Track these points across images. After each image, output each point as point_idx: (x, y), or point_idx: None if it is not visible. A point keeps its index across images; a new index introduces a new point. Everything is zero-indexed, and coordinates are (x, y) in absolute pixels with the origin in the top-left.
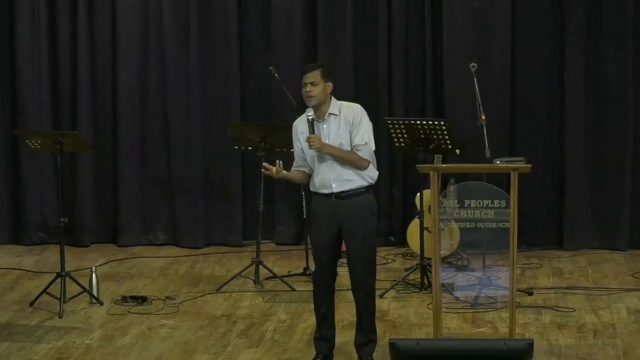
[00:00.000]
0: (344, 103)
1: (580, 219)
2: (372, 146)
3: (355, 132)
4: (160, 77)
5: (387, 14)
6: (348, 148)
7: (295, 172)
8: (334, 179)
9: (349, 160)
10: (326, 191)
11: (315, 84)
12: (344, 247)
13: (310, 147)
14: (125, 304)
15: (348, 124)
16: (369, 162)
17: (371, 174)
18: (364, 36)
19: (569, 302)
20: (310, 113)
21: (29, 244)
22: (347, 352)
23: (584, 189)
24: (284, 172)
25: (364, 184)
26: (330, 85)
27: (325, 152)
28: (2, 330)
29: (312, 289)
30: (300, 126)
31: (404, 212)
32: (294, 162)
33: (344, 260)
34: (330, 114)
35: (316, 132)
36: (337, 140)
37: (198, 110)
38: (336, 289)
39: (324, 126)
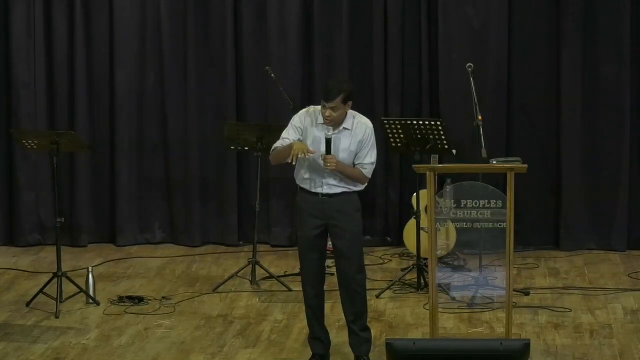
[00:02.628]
0: (357, 116)
1: (576, 219)
2: (375, 164)
3: (365, 151)
4: (157, 78)
5: (383, 14)
6: (350, 161)
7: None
8: (325, 182)
9: (353, 177)
10: (314, 189)
11: (335, 110)
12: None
13: (325, 166)
14: (122, 304)
15: (357, 142)
16: (369, 179)
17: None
18: (360, 36)
19: (565, 302)
20: (330, 133)
21: (24, 245)
22: (343, 352)
23: (580, 189)
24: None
25: (354, 189)
26: (349, 104)
27: (338, 170)
28: None
29: None
30: (305, 119)
31: (400, 212)
32: (281, 141)
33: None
34: (344, 128)
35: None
36: (343, 154)
37: (194, 110)
38: (331, 288)
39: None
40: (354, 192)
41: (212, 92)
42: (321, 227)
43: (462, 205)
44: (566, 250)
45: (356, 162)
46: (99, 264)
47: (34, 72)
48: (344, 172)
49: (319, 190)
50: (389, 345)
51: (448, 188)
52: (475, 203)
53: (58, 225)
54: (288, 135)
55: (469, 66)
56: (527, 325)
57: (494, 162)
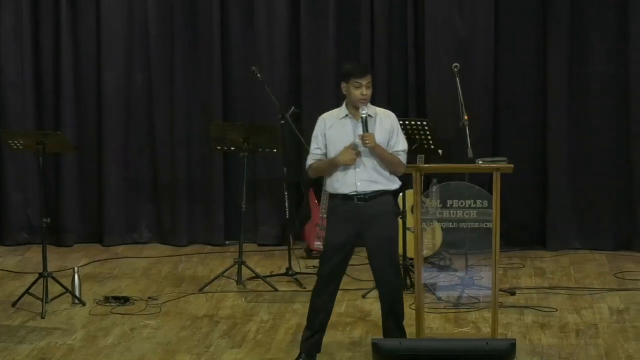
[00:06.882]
0: (377, 108)
1: (562, 219)
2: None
3: (395, 139)
4: (144, 78)
5: (370, 15)
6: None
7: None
8: (359, 179)
9: (391, 162)
10: (349, 191)
11: (369, 87)
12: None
13: (365, 144)
14: (108, 304)
15: (386, 130)
16: (405, 167)
17: (398, 180)
18: (347, 37)
19: (551, 302)
20: (364, 111)
21: (13, 245)
22: (330, 353)
23: (567, 189)
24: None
25: (390, 188)
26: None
27: (377, 152)
28: None
29: (297, 289)
30: (328, 121)
31: None
32: (312, 156)
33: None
34: (368, 115)
35: (355, 131)
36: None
37: (181, 111)
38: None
39: (359, 125)
40: (389, 192)
41: (199, 92)
42: (353, 233)
43: (448, 205)
44: (552, 250)
45: (393, 150)
46: (85, 264)
47: (22, 73)
48: (383, 155)
49: (352, 191)
50: (375, 345)
51: (434, 188)
52: (462, 203)
53: (44, 226)
54: (317, 145)
55: (455, 66)
56: (513, 325)
57: (480, 162)
